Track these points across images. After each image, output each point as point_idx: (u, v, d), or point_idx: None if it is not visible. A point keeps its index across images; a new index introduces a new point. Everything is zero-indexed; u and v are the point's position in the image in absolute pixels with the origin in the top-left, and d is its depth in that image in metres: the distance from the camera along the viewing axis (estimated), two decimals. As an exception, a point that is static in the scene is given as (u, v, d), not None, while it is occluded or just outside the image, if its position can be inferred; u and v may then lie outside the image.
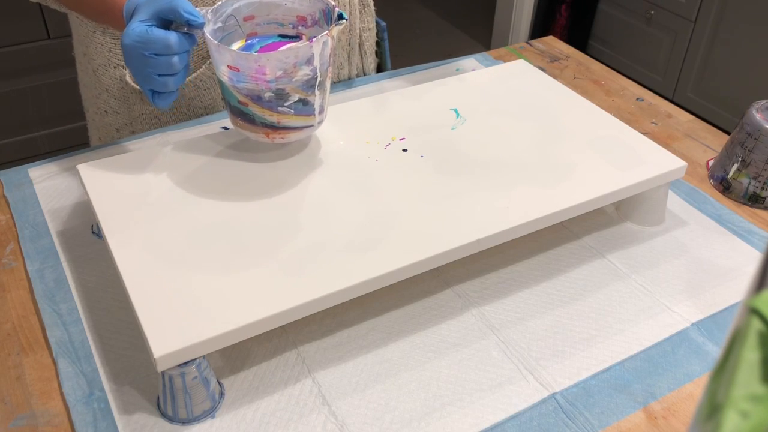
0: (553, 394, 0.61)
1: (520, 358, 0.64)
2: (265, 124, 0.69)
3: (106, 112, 0.95)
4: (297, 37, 0.75)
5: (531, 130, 0.80)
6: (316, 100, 0.70)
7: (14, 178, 0.83)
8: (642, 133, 0.81)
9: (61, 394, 0.60)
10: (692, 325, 0.68)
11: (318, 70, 0.67)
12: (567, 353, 0.64)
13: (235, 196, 0.69)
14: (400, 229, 0.65)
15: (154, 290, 0.58)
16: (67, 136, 2.01)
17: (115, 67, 0.90)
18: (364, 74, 1.05)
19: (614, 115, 0.84)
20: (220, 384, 0.60)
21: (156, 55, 0.65)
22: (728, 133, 0.92)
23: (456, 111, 0.83)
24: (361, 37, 1.01)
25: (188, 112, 0.95)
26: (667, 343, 0.66)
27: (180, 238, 0.64)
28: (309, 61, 0.66)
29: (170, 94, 0.69)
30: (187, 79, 0.91)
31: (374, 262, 0.62)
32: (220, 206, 0.68)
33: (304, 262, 0.62)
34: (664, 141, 0.94)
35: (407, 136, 0.78)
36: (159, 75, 0.66)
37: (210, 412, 0.59)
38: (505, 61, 0.99)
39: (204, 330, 0.55)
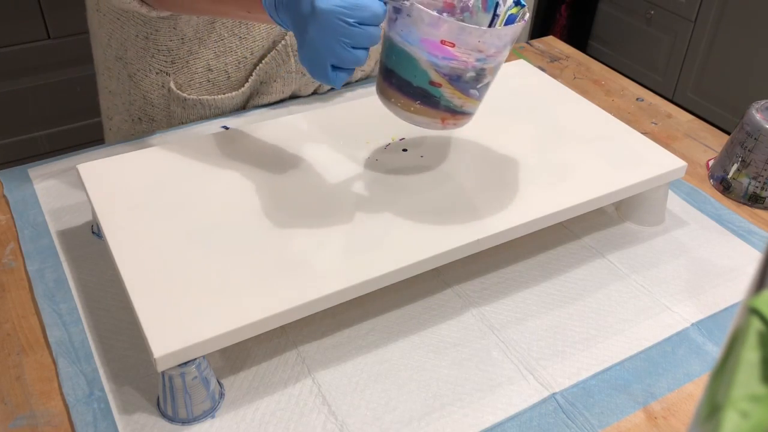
0: (553, 394, 0.61)
1: (520, 358, 0.64)
2: (448, 108, 0.63)
3: (140, 119, 0.93)
4: None
5: (531, 130, 0.80)
6: (491, 85, 0.65)
7: (14, 178, 0.83)
8: (642, 133, 0.81)
9: (61, 394, 0.60)
10: (692, 325, 0.68)
11: (505, 54, 0.63)
12: (567, 353, 0.64)
13: (235, 196, 0.69)
14: (400, 229, 0.65)
15: (154, 290, 0.58)
16: (67, 136, 2.01)
17: (157, 73, 0.89)
18: None
19: (614, 115, 0.84)
20: (220, 384, 0.60)
21: (360, 24, 0.57)
22: (728, 133, 0.92)
23: (456, 111, 0.83)
24: None
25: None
26: (667, 343, 0.66)
27: (180, 238, 0.64)
28: (510, 42, 0.61)
29: (351, 70, 0.61)
30: (240, 90, 0.90)
31: (374, 262, 0.62)
32: (220, 206, 0.68)
33: (304, 263, 0.62)
34: (664, 141, 0.94)
35: (407, 136, 0.78)
36: (353, 47, 0.59)
37: (210, 412, 0.59)
38: (505, 61, 0.99)
39: (204, 330, 0.55)
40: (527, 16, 0.63)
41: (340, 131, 0.79)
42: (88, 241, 0.75)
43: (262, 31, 0.87)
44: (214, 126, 0.91)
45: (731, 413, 0.22)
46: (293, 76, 0.91)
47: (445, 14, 0.68)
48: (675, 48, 2.34)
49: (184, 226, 0.65)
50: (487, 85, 0.64)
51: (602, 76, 1.10)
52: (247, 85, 0.91)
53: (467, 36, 0.58)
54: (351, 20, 0.56)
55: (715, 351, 0.66)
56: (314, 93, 0.98)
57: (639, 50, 2.48)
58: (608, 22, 2.57)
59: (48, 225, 0.77)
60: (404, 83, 0.62)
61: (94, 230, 0.76)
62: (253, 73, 0.90)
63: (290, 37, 0.88)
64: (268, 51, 0.90)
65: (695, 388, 0.62)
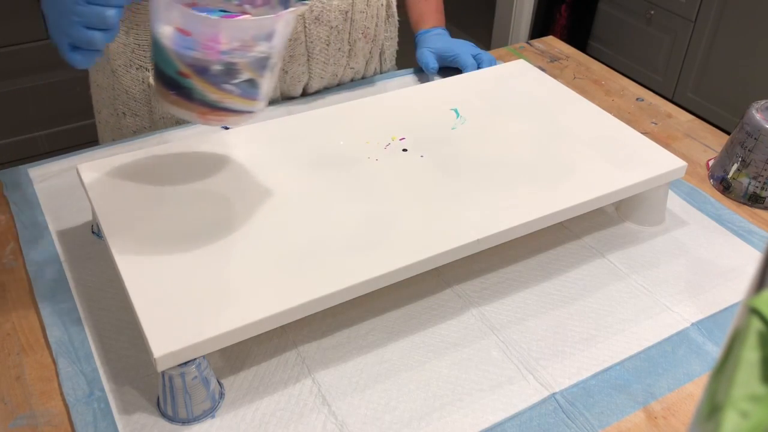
0: (553, 394, 0.61)
1: (520, 358, 0.64)
2: (203, 102, 0.61)
3: (124, 113, 0.94)
4: (238, 16, 0.67)
5: (531, 130, 0.80)
6: (264, 83, 0.62)
7: (14, 178, 0.83)
8: (642, 133, 0.81)
9: (61, 394, 0.60)
10: (692, 325, 0.68)
11: (275, 50, 0.60)
12: (567, 353, 0.64)
13: (235, 196, 0.69)
14: (400, 229, 0.65)
15: (154, 290, 0.58)
16: (67, 136, 2.01)
17: (137, 69, 0.90)
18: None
19: (614, 115, 0.84)
20: (220, 384, 0.60)
21: (89, 2, 0.56)
22: (728, 133, 0.92)
23: (456, 111, 0.83)
24: (383, 46, 1.01)
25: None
26: (667, 343, 0.66)
27: (180, 238, 0.64)
28: (269, 37, 0.59)
29: (94, 52, 0.59)
30: None
31: (374, 262, 0.62)
32: (220, 206, 0.68)
33: (304, 262, 0.62)
34: (664, 141, 0.94)
35: (407, 136, 0.78)
36: (87, 27, 0.57)
37: (210, 412, 0.59)
38: (505, 61, 0.99)
39: (204, 330, 0.55)
40: (292, 13, 0.59)
41: (340, 131, 0.79)
42: (88, 241, 0.75)
43: None
44: (214, 126, 0.91)
45: (731, 413, 0.22)
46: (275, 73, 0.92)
47: (246, 5, 0.66)
48: (675, 48, 2.34)
49: (184, 226, 0.65)
50: (253, 82, 0.61)
51: (602, 76, 1.10)
52: None
53: (199, 24, 0.56)
54: None
55: (715, 351, 0.66)
56: (304, 94, 0.98)
57: (639, 50, 2.48)
58: (608, 22, 2.57)
59: (48, 225, 0.77)
60: (160, 73, 0.61)
61: (94, 230, 0.76)
62: None
63: None
64: None
65: (695, 388, 0.62)
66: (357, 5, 0.92)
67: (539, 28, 2.68)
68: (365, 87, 1.01)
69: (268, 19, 0.58)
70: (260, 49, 0.59)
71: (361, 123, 0.81)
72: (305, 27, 0.89)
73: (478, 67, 0.99)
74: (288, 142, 0.77)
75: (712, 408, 0.23)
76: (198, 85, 0.59)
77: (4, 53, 1.84)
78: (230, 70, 0.59)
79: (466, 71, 0.98)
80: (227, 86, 0.60)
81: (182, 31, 0.57)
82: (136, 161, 0.73)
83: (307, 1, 0.62)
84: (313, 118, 0.81)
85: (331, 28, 0.91)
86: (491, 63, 1.00)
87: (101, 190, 0.69)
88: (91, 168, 0.72)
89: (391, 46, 1.03)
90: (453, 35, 1.06)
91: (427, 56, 1.02)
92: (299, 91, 0.96)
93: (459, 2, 3.19)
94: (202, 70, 0.58)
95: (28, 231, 0.76)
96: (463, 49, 1.01)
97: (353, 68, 0.99)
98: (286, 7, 0.64)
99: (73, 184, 0.82)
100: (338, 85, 1.00)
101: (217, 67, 0.58)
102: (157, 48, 0.59)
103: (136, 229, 0.65)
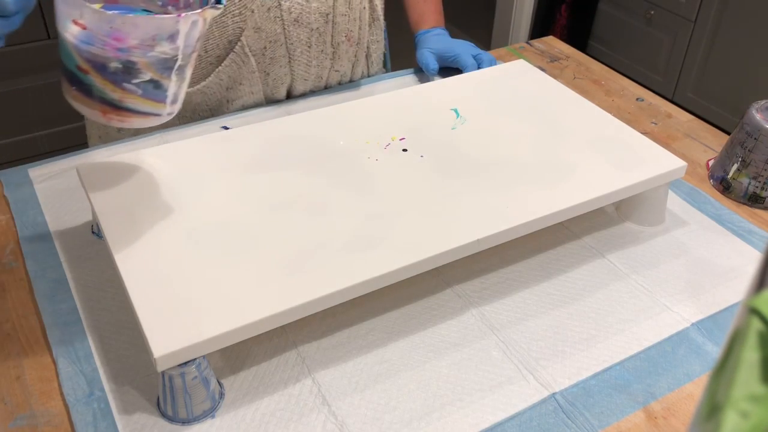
0: (553, 394, 0.61)
1: (520, 358, 0.64)
2: (103, 100, 0.59)
3: None
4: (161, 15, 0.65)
5: (531, 130, 0.80)
6: (171, 85, 0.61)
7: (14, 178, 0.83)
8: (642, 133, 0.81)
9: (61, 394, 0.60)
10: (692, 325, 0.68)
11: (180, 52, 0.59)
12: (567, 353, 0.64)
13: (234, 196, 0.69)
14: (400, 229, 0.65)
15: (154, 290, 0.58)
16: (67, 136, 2.01)
17: None
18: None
19: (614, 115, 0.84)
20: (220, 384, 0.60)
21: None
22: (728, 133, 0.92)
23: (456, 111, 0.83)
24: (368, 48, 1.01)
25: (193, 116, 0.95)
26: (667, 343, 0.66)
27: (180, 238, 0.64)
28: (172, 38, 0.57)
29: None
30: (195, 87, 0.90)
31: (374, 262, 0.62)
32: (220, 206, 0.68)
33: (304, 262, 0.62)
34: (664, 141, 0.94)
35: (407, 136, 0.78)
36: None
37: (210, 412, 0.59)
38: (505, 61, 0.99)
39: (204, 330, 0.55)
40: (198, 14, 0.58)
41: (340, 131, 0.79)
42: (88, 241, 0.75)
43: (215, 29, 0.88)
44: (214, 126, 0.91)
45: (731, 413, 0.22)
46: (256, 75, 0.92)
47: (170, 6, 0.66)
48: (675, 48, 2.34)
49: (184, 226, 0.65)
50: (157, 83, 0.59)
51: (602, 76, 1.10)
52: (203, 83, 0.91)
53: (96, 20, 0.55)
54: None
55: (715, 351, 0.66)
56: (289, 96, 0.97)
57: (639, 50, 2.48)
58: (608, 22, 2.57)
59: (48, 225, 0.77)
60: (62, 66, 0.60)
61: (94, 230, 0.76)
62: (213, 75, 0.91)
63: (246, 38, 0.88)
64: (225, 51, 0.90)
65: (695, 388, 0.62)
66: (338, 8, 0.91)
67: (539, 28, 2.68)
68: (365, 87, 1.01)
69: (169, 19, 0.57)
70: (162, 49, 0.58)
71: (361, 123, 0.81)
72: (284, 28, 0.89)
73: (479, 68, 0.99)
74: (288, 142, 0.77)
75: (712, 408, 0.23)
76: (97, 81, 0.58)
77: (4, 53, 1.83)
78: (130, 69, 0.58)
79: (467, 71, 0.98)
80: (128, 85, 0.59)
81: (80, 25, 0.56)
82: (136, 161, 0.73)
83: (221, 5, 0.61)
84: (313, 118, 0.81)
85: (312, 30, 0.91)
86: (491, 63, 1.00)
87: (101, 190, 0.69)
88: (91, 168, 0.72)
89: (378, 50, 1.03)
90: (453, 35, 1.06)
91: (428, 57, 1.02)
92: (283, 93, 0.96)
93: (459, 2, 3.19)
94: (100, 67, 0.57)
95: (28, 231, 0.76)
96: (464, 49, 1.01)
97: (338, 71, 0.99)
98: (203, 2, 0.63)
99: (73, 184, 0.82)
100: (325, 88, 1.00)
101: (115, 65, 0.57)
102: (60, 42, 0.58)
103: (136, 229, 0.65)
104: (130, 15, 0.56)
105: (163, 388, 0.56)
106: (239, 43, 0.89)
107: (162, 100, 0.61)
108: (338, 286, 0.59)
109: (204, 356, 0.56)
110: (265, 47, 0.90)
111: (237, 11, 0.87)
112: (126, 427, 0.57)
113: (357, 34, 0.95)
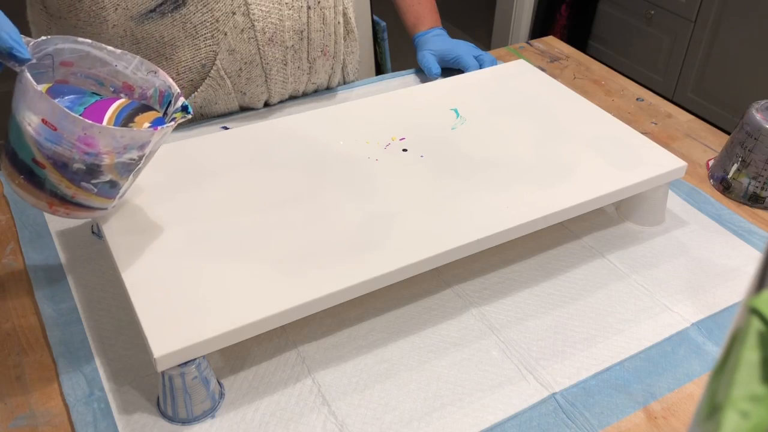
0: (553, 394, 0.61)
1: (520, 358, 0.64)
2: (54, 194, 0.58)
3: None
4: (114, 100, 0.65)
5: (531, 130, 0.80)
6: (126, 184, 0.61)
7: (14, 178, 0.83)
8: (642, 133, 0.81)
9: (61, 394, 0.60)
10: (692, 325, 0.68)
11: (145, 158, 0.59)
12: (567, 353, 0.64)
13: (234, 197, 0.69)
14: (400, 229, 0.65)
15: (154, 290, 0.58)
16: (67, 136, 2.01)
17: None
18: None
19: (614, 115, 0.84)
20: (220, 384, 0.60)
21: None
22: (728, 133, 0.92)
23: (456, 111, 0.83)
24: (344, 61, 1.00)
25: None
26: (667, 343, 0.66)
27: (180, 238, 0.64)
28: (142, 146, 0.58)
29: None
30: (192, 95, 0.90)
31: (374, 262, 0.62)
32: (220, 206, 0.68)
33: (304, 262, 0.62)
34: (664, 141, 0.94)
35: (407, 136, 0.78)
36: None
37: (210, 412, 0.59)
38: (505, 61, 0.99)
39: (204, 330, 0.55)
40: (171, 127, 0.59)
41: (340, 131, 0.79)
42: (88, 241, 0.75)
43: (187, 51, 0.86)
44: (214, 126, 0.91)
45: (731, 413, 0.22)
46: (232, 96, 0.91)
47: (122, 94, 0.64)
48: (675, 48, 2.34)
49: (183, 226, 0.65)
50: (114, 183, 0.59)
51: (602, 76, 1.10)
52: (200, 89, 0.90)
53: (70, 123, 0.54)
54: None
55: (715, 351, 0.66)
56: (266, 105, 0.96)
57: (639, 50, 2.48)
58: (608, 22, 2.57)
59: (48, 225, 0.77)
60: (12, 152, 0.58)
61: (94, 230, 0.76)
62: (188, 100, 0.88)
63: (220, 61, 0.86)
64: (199, 75, 0.88)
65: (695, 388, 0.62)
66: (312, 24, 0.89)
67: (539, 28, 2.68)
68: (365, 87, 1.01)
69: (146, 132, 0.57)
70: (130, 156, 0.58)
71: (361, 123, 0.81)
72: (259, 49, 0.86)
73: (480, 68, 0.99)
74: (287, 143, 0.77)
75: (712, 408, 0.23)
76: (53, 177, 0.57)
77: (4, 53, 1.83)
78: (93, 171, 0.57)
79: (468, 72, 0.98)
80: (86, 184, 0.58)
81: (49, 125, 0.54)
82: (136, 161, 0.73)
83: (190, 114, 0.61)
84: (313, 118, 0.81)
85: (287, 48, 0.88)
86: (492, 64, 1.00)
87: (101, 190, 0.69)
88: (91, 168, 0.72)
89: (353, 60, 1.01)
90: (453, 35, 1.06)
91: (429, 60, 1.01)
92: (261, 103, 0.95)
93: (459, 2, 3.19)
94: (61, 165, 0.56)
95: (28, 231, 0.76)
96: (465, 50, 1.01)
97: (315, 83, 0.97)
98: (163, 101, 0.63)
99: (73, 184, 0.81)
100: (303, 95, 0.99)
101: (78, 166, 0.56)
102: (15, 128, 0.56)
103: (136, 230, 0.65)
104: (108, 127, 0.56)
105: (163, 388, 0.56)
106: (214, 67, 0.87)
107: (113, 197, 0.61)
108: (338, 286, 0.59)
109: (204, 356, 0.56)
110: (240, 69, 0.88)
111: (209, 34, 0.84)
112: (126, 427, 0.57)
113: (333, 49, 0.93)
